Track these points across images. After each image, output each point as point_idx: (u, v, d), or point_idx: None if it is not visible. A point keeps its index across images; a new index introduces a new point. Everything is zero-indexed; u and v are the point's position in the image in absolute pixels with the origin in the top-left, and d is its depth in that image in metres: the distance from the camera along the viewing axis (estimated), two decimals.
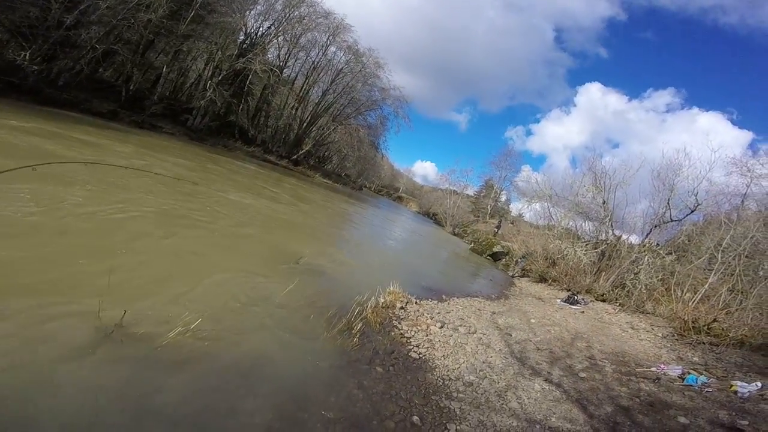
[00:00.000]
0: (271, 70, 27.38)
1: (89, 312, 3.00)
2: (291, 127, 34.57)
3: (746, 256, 10.00)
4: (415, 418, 3.20)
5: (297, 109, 34.64)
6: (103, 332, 2.87)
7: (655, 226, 13.84)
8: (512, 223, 29.98)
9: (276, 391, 3.04)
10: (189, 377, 2.83)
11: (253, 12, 26.95)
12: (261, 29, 28.25)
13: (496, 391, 3.94)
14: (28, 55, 13.65)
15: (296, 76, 35.34)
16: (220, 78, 23.79)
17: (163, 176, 8.14)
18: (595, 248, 14.30)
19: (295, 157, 32.80)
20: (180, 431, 2.39)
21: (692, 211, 13.33)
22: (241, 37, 26.85)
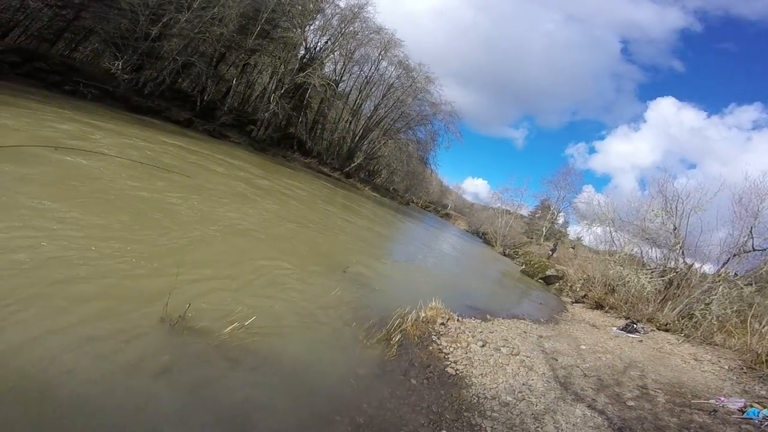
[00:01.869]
0: (328, 84, 28.66)
1: (159, 302, 3.40)
2: (344, 140, 35.93)
3: None
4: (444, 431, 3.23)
5: (350, 123, 36.02)
6: (168, 323, 3.25)
7: (734, 255, 12.34)
8: (573, 248, 28.31)
9: (312, 392, 3.23)
10: (237, 371, 3.11)
11: (312, 27, 28.60)
12: (319, 44, 29.95)
13: (532, 414, 3.85)
14: (120, 64, 15.62)
15: (350, 90, 36.66)
16: (282, 91, 25.22)
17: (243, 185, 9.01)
18: (662, 276, 13.16)
19: (347, 169, 33.78)
20: (221, 419, 2.63)
21: None
22: (302, 52, 28.45)
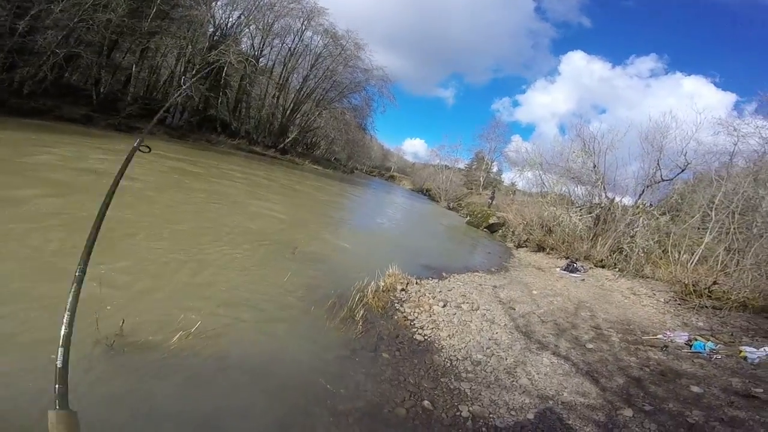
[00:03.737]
0: (247, 60, 26.99)
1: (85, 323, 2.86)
2: (274, 116, 34.12)
3: (739, 214, 10.03)
4: (426, 402, 3.14)
5: (278, 98, 34.05)
6: (105, 344, 2.77)
7: (647, 186, 14.12)
8: (513, 193, 29.91)
9: (285, 388, 2.96)
10: (197, 381, 2.75)
11: (219, 3, 26.15)
12: (230, 20, 27.56)
13: (505, 369, 3.90)
14: None
15: (274, 64, 34.59)
16: (193, 72, 23.24)
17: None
18: (590, 212, 14.38)
19: (281, 145, 32.57)
20: None
21: (683, 170, 13.78)
22: (211, 30, 26.17)
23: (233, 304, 3.99)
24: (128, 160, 1.45)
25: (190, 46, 23.20)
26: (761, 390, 3.62)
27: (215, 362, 3.01)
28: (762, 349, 4.56)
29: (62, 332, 1.04)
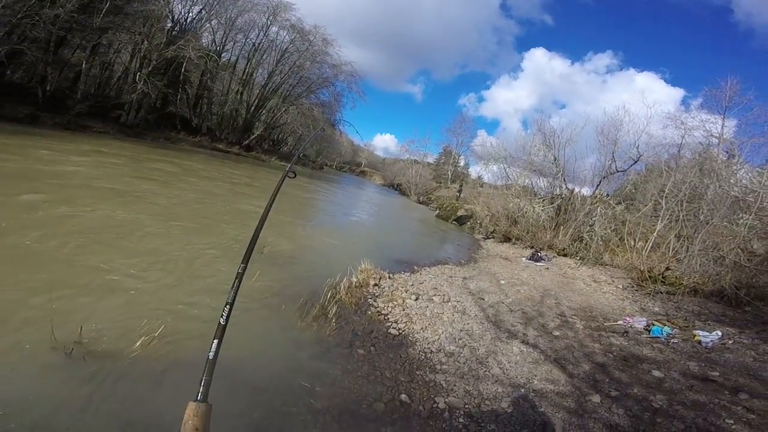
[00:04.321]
0: (208, 55, 26.33)
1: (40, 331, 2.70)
2: (238, 113, 33.15)
3: (687, 201, 10.76)
4: (404, 396, 3.16)
5: (242, 93, 33.05)
6: (63, 352, 2.61)
7: (604, 177, 15.01)
8: (481, 186, 30.63)
9: (259, 389, 2.89)
10: (165, 387, 2.63)
11: None
12: (190, 14, 26.47)
13: (477, 359, 3.99)
14: None
15: (237, 59, 33.48)
16: (150, 69, 22.16)
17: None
18: (552, 203, 14.99)
19: (246, 142, 31.79)
20: None
21: (635, 162, 14.82)
22: (169, 25, 25.00)
23: (199, 306, 3.84)
24: (278, 187, 1.74)
25: (145, 42, 22.03)
26: (717, 373, 3.87)
27: (183, 366, 2.88)
28: (714, 333, 4.90)
29: (220, 323, 1.08)
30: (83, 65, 19.99)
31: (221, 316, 1.10)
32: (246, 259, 1.38)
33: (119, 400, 2.42)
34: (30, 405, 2.21)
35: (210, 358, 1.00)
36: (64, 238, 4.60)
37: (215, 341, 1.04)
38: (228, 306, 1.13)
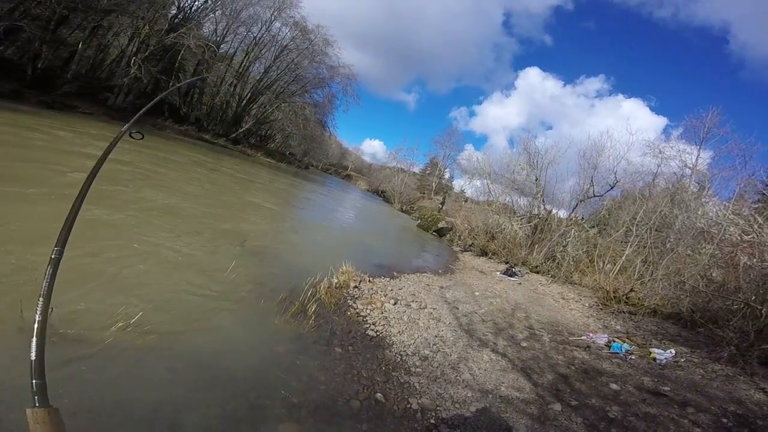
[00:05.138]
0: (207, 45, 25.89)
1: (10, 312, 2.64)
2: (229, 105, 32.80)
3: (656, 230, 11.35)
4: (379, 395, 3.28)
5: (235, 86, 32.70)
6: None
7: (581, 201, 15.40)
8: (465, 201, 31.16)
9: (234, 381, 2.93)
10: (138, 375, 2.64)
11: None
12: (196, 3, 26.21)
13: (449, 364, 4.15)
14: None
15: (236, 52, 33.16)
16: (146, 54, 21.83)
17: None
18: (529, 222, 15.43)
19: (234, 135, 31.46)
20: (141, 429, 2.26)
21: (612, 188, 15.21)
22: (173, 11, 24.77)
23: (177, 296, 3.89)
24: (113, 145, 1.37)
25: (147, 27, 21.66)
26: (668, 388, 4.15)
27: (157, 354, 2.91)
28: (669, 351, 5.24)
29: (36, 321, 0.92)
30: (80, 46, 19.56)
31: (36, 312, 0.93)
32: (62, 242, 1.10)
33: (84, 386, 2.38)
34: None
35: (33, 359, 0.87)
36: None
37: (34, 340, 0.90)
38: (41, 298, 0.95)
